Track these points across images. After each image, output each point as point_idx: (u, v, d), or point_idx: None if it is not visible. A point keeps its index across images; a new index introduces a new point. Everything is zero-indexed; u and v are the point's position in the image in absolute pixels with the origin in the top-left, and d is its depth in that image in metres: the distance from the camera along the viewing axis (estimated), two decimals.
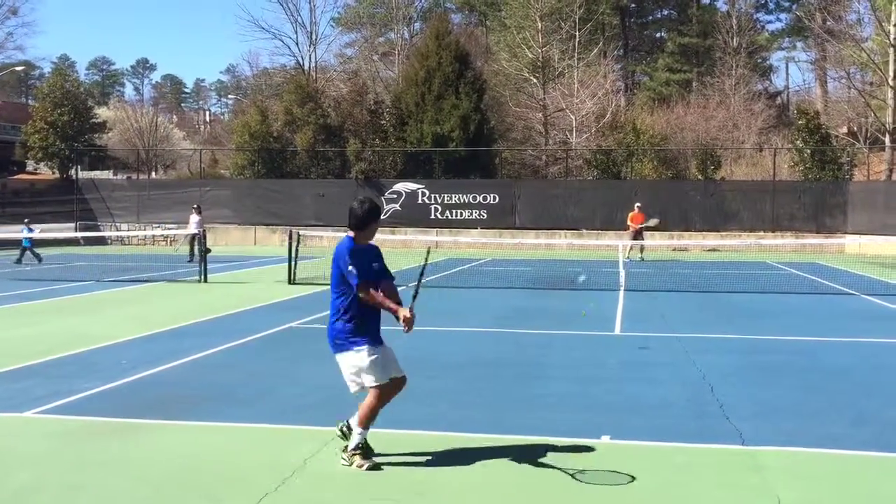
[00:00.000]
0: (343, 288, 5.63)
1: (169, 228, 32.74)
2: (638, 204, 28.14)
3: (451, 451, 5.93)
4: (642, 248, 27.41)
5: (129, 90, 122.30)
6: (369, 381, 5.57)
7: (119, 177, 50.90)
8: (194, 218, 24.74)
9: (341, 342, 5.60)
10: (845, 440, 6.16)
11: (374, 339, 5.65)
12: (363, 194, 34.65)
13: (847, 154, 35.78)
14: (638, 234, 27.22)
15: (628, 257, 26.62)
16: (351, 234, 5.81)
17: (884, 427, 6.52)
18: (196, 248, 24.09)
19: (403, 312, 5.67)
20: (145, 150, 55.27)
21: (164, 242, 34.50)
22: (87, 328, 11.62)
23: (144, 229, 34.27)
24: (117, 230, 34.96)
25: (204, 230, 20.52)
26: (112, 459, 5.74)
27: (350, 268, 5.56)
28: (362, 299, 5.59)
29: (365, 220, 5.79)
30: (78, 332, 11.17)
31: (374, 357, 5.56)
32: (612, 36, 58.54)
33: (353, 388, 5.67)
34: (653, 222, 27.66)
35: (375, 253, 5.92)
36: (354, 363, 5.57)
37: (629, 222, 27.64)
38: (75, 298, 15.48)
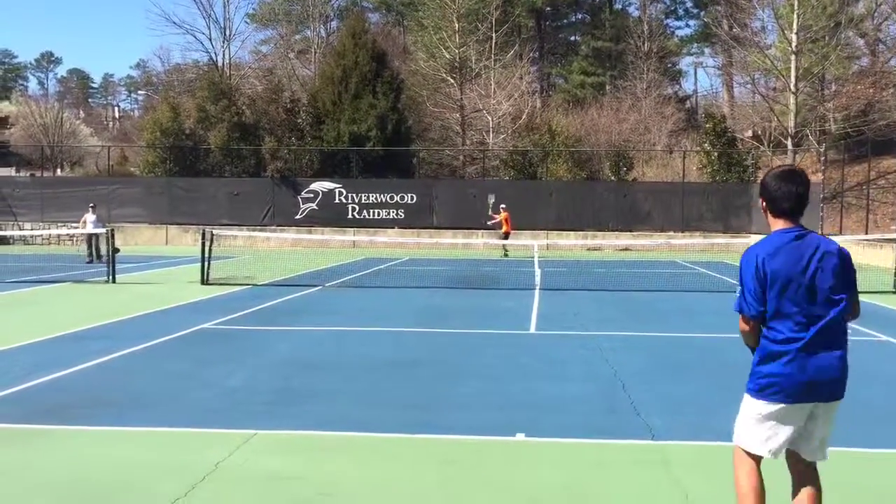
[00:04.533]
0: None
1: (75, 227, 31.64)
2: (503, 205, 29.26)
3: (361, 452, 5.89)
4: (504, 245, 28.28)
5: (33, 84, 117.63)
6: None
7: (22, 174, 48.88)
8: (90, 217, 24.12)
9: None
10: None
11: None
12: (279, 194, 34.70)
13: (752, 157, 37.09)
14: (507, 234, 28.31)
15: (505, 256, 27.61)
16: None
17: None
18: (94, 247, 23.43)
19: None
20: (50, 147, 53.28)
21: (69, 242, 33.32)
22: None
23: (49, 228, 33.04)
24: (20, 229, 33.62)
25: (112, 229, 19.88)
26: (7, 468, 5.49)
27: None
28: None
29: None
30: None
31: None
32: (528, 38, 59.25)
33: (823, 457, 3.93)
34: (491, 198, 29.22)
35: None
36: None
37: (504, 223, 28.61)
38: None
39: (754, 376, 3.84)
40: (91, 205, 25.03)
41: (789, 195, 3.79)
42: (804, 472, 3.90)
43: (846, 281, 3.76)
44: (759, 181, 29.38)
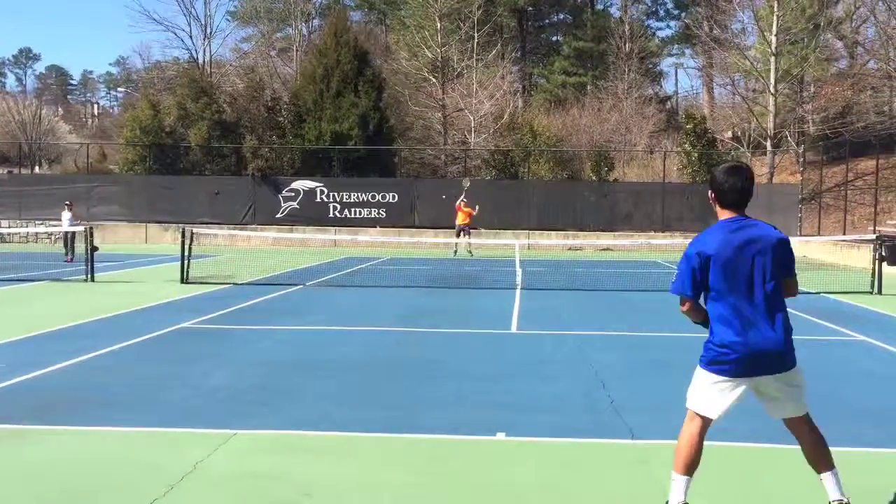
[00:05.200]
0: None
1: (52, 226, 31.37)
2: (464, 199, 28.89)
3: (341, 452, 5.88)
4: (469, 244, 28.10)
5: (10, 81, 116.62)
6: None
7: None
8: (66, 215, 24.00)
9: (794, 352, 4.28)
10: (730, 433, 6.38)
11: None
12: (260, 192, 34.49)
13: (732, 158, 37.32)
14: (463, 230, 27.99)
15: (455, 255, 27.40)
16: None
17: (766, 419, 6.79)
18: (71, 245, 23.22)
19: None
20: (28, 144, 52.80)
21: (47, 240, 33.04)
22: None
23: (26, 226, 32.72)
24: None
25: (91, 227, 19.71)
26: None
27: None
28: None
29: None
30: None
31: None
32: (510, 38, 59.35)
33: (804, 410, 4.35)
34: (466, 182, 28.86)
35: None
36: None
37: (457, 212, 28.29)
38: None
39: (705, 349, 4.25)
40: (66, 202, 24.85)
41: (734, 188, 4.19)
42: (797, 427, 4.31)
43: (783, 263, 4.16)
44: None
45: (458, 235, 28.35)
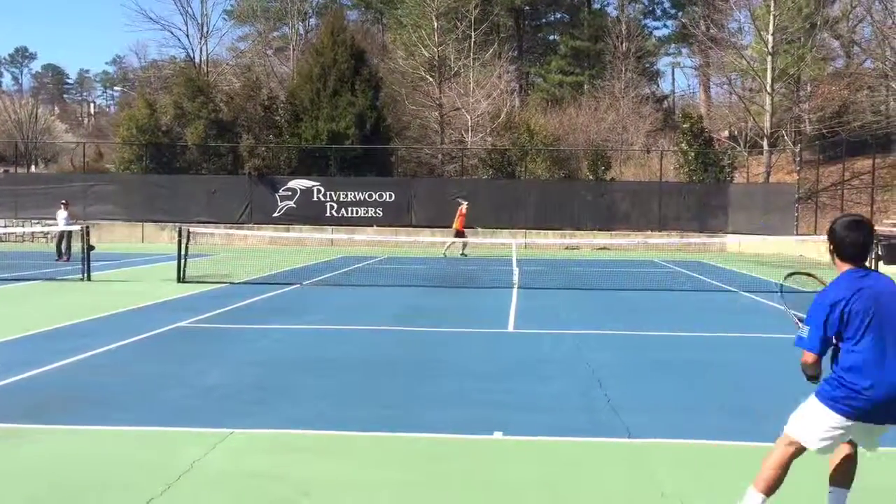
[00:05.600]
0: None
1: (49, 225, 31.32)
2: (467, 203, 28.88)
3: (338, 451, 5.88)
4: (465, 245, 28.07)
5: (6, 80, 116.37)
6: None
7: None
8: (62, 214, 23.86)
9: None
10: (726, 431, 6.41)
11: None
12: (257, 191, 34.44)
13: (728, 157, 37.36)
14: (459, 233, 28.09)
15: (444, 254, 27.41)
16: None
17: (760, 418, 6.82)
18: (65, 245, 23.12)
19: None
20: (24, 143, 52.71)
21: (44, 239, 32.98)
22: None
23: (22, 226, 32.67)
24: None
25: (87, 227, 19.67)
26: None
27: None
28: None
29: None
30: None
31: None
32: (507, 37, 59.30)
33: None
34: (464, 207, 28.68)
35: None
36: None
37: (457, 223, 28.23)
38: None
39: (830, 385, 4.14)
40: (63, 201, 24.77)
41: (855, 242, 4.21)
42: (846, 446, 4.32)
43: None
44: (734, 181, 29.52)
45: (455, 236, 28.39)
